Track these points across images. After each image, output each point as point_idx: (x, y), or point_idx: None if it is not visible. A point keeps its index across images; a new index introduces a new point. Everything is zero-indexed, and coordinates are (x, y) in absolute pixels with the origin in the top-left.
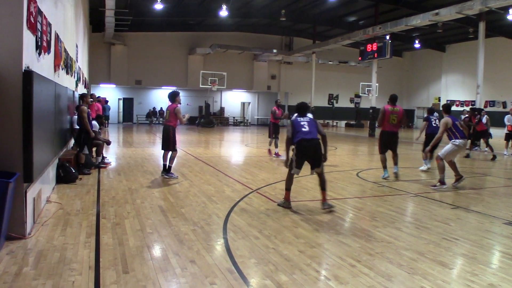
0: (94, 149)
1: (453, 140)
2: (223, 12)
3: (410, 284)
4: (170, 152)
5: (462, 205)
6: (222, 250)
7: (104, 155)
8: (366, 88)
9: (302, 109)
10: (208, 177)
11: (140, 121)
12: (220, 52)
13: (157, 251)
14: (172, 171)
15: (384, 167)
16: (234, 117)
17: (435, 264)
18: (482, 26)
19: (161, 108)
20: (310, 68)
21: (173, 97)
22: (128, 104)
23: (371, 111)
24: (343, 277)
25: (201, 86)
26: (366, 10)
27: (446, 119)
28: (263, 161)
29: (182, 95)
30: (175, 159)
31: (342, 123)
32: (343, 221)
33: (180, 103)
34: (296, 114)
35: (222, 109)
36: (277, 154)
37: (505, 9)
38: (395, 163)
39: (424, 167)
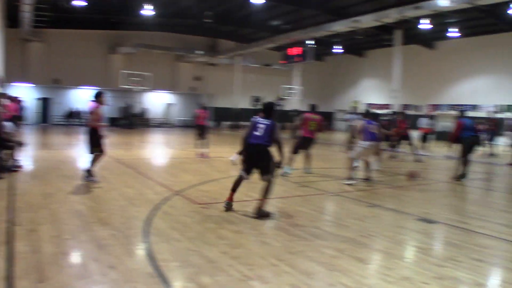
0: (8, 151)
1: (360, 143)
2: (147, 11)
3: (330, 280)
4: (92, 155)
5: (378, 203)
6: (143, 254)
7: (16, 158)
8: (289, 91)
9: (267, 110)
10: (129, 180)
11: (58, 122)
12: (143, 52)
13: (75, 257)
14: (91, 174)
15: (289, 164)
16: (157, 119)
17: (353, 260)
18: (398, 34)
19: (79, 108)
20: (234, 70)
21: (96, 97)
22: (45, 104)
23: (293, 113)
24: (265, 277)
25: (123, 86)
26: (289, 15)
27: (359, 122)
28: (186, 163)
29: None
30: (97, 162)
31: None
32: (265, 222)
33: (105, 104)
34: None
35: (144, 110)
36: (205, 155)
37: (419, 19)
38: (307, 164)
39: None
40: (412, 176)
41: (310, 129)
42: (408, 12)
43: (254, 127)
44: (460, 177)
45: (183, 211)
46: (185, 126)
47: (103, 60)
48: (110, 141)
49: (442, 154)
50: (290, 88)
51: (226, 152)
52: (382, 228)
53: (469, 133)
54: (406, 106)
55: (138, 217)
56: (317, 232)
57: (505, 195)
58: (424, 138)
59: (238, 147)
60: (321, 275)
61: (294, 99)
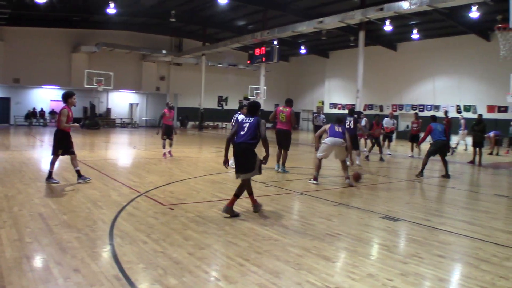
0: None
1: (324, 140)
2: (111, 10)
3: (296, 279)
4: (52, 157)
5: (343, 201)
6: (108, 256)
7: None
8: (255, 91)
9: (252, 109)
10: (93, 181)
11: (18, 123)
12: (107, 51)
13: (37, 261)
14: (52, 176)
15: (277, 161)
16: (121, 119)
17: (319, 258)
18: (362, 35)
19: (42, 108)
20: (200, 70)
21: (65, 98)
22: (4, 104)
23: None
24: (232, 277)
25: (86, 86)
26: (255, 15)
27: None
28: (152, 164)
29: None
30: (55, 163)
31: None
32: (232, 221)
33: (74, 105)
34: (238, 113)
35: (108, 110)
36: (170, 153)
37: (383, 21)
38: (282, 163)
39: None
40: (356, 177)
41: (281, 120)
42: (372, 14)
43: (240, 126)
44: (419, 174)
45: (149, 213)
46: (150, 126)
47: (66, 59)
48: (73, 142)
49: (406, 154)
50: (256, 88)
51: (192, 152)
52: (347, 226)
53: (438, 137)
54: (369, 106)
55: (103, 219)
56: (284, 231)
57: (465, 193)
58: (386, 138)
59: (202, 147)
60: (288, 274)
61: (260, 99)
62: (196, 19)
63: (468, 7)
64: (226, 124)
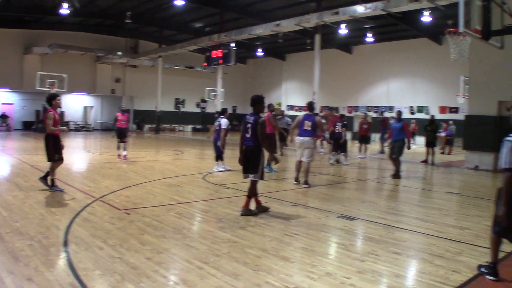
0: None
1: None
2: (64, 10)
3: (255, 280)
4: (51, 163)
5: (301, 202)
6: (63, 264)
7: None
8: (212, 93)
9: (252, 103)
10: (46, 187)
11: None
12: (60, 53)
13: None
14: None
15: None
16: (75, 122)
17: (278, 259)
18: (318, 38)
19: None
20: (156, 72)
21: (49, 100)
22: None
23: (216, 115)
24: (191, 280)
25: (38, 88)
26: (212, 17)
27: (298, 116)
28: (107, 168)
29: (17, 97)
30: (56, 170)
31: (189, 127)
32: (190, 225)
33: (59, 107)
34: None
35: (62, 114)
36: (125, 157)
37: (338, 24)
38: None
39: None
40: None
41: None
42: (327, 17)
43: (244, 127)
44: (395, 176)
45: (105, 218)
46: (105, 129)
47: (17, 61)
48: (25, 146)
49: (359, 154)
50: (214, 91)
51: (149, 156)
52: (305, 226)
53: (399, 137)
54: (326, 108)
55: (57, 226)
56: (242, 233)
57: (419, 191)
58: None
59: (159, 150)
60: (247, 276)
61: (217, 101)
62: (153, 20)
63: (420, 12)
64: (184, 127)
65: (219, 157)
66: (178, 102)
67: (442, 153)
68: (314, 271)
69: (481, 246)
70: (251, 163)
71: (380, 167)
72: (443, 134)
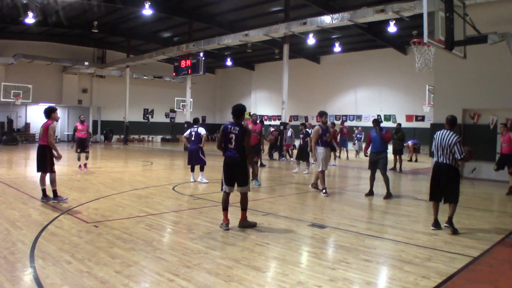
0: None
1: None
2: (29, 20)
3: None
4: (48, 174)
5: (272, 211)
6: (29, 280)
7: None
8: (181, 103)
9: (236, 113)
10: (11, 201)
11: None
12: (25, 63)
13: None
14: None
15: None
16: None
17: (249, 269)
18: (286, 48)
19: None
20: (124, 82)
21: (48, 113)
22: None
23: (186, 125)
24: None
25: (2, 99)
26: (180, 27)
27: (317, 128)
28: (74, 180)
29: None
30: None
31: (158, 137)
32: (160, 236)
33: (57, 120)
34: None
35: (27, 125)
36: (85, 166)
37: (306, 34)
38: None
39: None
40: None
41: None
42: (295, 27)
43: (226, 137)
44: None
45: (72, 231)
46: (72, 140)
47: None
48: None
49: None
50: (183, 101)
51: (117, 167)
52: (276, 235)
53: (381, 148)
54: (295, 117)
55: (23, 241)
56: (213, 243)
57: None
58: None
59: (128, 161)
60: (219, 287)
61: (186, 111)
62: (120, 30)
63: (386, 22)
64: (152, 137)
65: (202, 167)
66: (147, 113)
67: (410, 160)
68: (286, 280)
69: (450, 252)
70: (239, 176)
71: (348, 176)
72: (410, 142)
